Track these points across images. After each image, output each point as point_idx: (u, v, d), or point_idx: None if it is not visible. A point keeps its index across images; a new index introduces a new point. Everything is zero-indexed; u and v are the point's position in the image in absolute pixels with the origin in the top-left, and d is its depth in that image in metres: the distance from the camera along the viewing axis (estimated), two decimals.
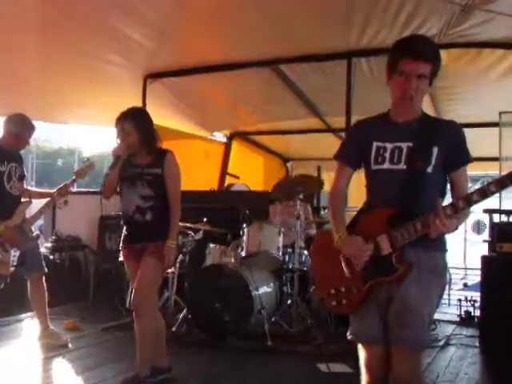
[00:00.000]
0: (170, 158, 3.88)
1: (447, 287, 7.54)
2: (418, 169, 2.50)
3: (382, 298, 2.54)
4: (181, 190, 3.91)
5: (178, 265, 5.74)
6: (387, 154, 2.58)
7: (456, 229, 2.43)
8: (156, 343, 3.88)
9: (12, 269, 4.74)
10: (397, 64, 2.50)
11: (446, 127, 2.60)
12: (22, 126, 4.93)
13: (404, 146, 2.55)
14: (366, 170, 2.69)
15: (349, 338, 2.66)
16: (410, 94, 2.49)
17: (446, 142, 2.52)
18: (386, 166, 2.57)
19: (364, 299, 2.57)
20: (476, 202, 2.33)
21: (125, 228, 3.93)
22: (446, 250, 2.61)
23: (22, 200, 4.94)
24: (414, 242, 2.44)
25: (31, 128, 5.00)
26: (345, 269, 2.61)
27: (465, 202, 2.34)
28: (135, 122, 3.81)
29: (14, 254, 4.73)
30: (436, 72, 2.51)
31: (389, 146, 2.58)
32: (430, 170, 2.51)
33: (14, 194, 4.86)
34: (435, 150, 2.51)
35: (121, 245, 3.97)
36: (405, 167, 2.53)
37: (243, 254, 5.58)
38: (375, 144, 2.62)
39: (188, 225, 5.80)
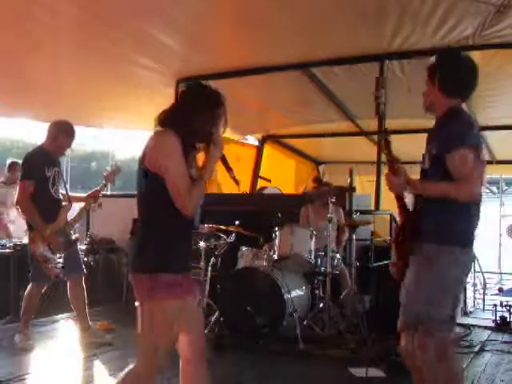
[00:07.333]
0: None
1: (482, 292, 7.46)
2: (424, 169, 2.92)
3: None
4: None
5: (210, 268, 5.78)
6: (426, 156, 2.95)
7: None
8: None
9: (58, 271, 4.85)
10: None
11: (446, 124, 2.81)
12: (65, 133, 5.03)
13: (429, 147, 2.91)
14: None
15: None
16: None
17: (441, 137, 2.78)
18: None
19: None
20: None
21: (180, 247, 2.75)
22: (441, 242, 2.77)
23: (63, 204, 5.04)
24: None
25: (73, 137, 5.12)
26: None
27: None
28: None
29: (60, 257, 4.84)
30: (435, 71, 2.86)
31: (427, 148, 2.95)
32: (427, 166, 2.88)
33: (56, 197, 4.99)
34: (433, 151, 2.81)
35: (179, 275, 2.67)
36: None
37: (275, 257, 5.58)
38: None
39: (220, 227, 5.84)
